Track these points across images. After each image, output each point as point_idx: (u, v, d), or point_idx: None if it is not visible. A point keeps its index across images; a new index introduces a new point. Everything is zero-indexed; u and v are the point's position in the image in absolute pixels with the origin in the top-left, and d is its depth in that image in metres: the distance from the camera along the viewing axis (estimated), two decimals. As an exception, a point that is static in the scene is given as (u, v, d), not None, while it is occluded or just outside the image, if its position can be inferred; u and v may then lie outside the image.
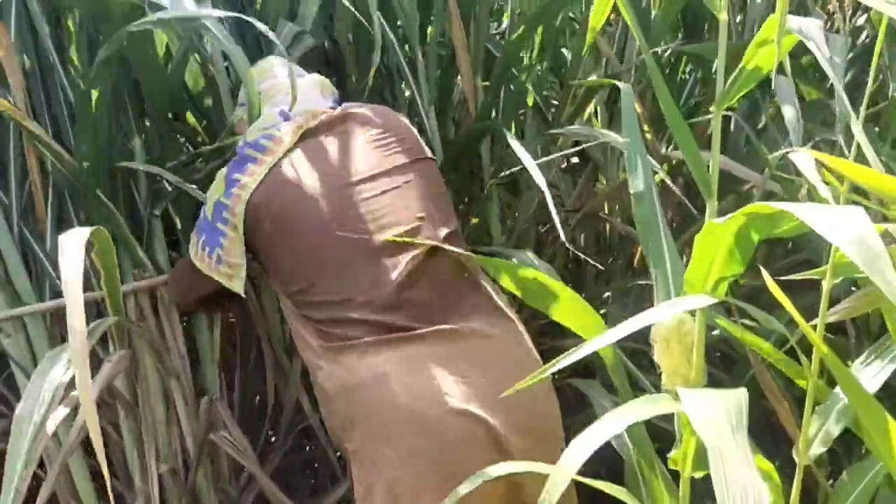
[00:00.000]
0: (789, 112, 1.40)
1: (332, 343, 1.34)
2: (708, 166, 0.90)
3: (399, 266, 1.34)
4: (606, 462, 1.16)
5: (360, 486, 1.31)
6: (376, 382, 1.29)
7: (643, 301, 1.27)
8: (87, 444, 1.80)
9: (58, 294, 1.73)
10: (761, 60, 0.84)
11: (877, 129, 1.70)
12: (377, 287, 1.33)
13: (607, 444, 0.87)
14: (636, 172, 1.04)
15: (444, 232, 1.39)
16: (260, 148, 1.43)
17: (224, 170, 1.46)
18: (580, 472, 0.80)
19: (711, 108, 0.87)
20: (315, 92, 1.53)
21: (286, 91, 1.43)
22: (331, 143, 1.44)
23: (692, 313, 0.94)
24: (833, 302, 1.01)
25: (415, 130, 1.54)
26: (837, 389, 1.01)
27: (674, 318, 0.92)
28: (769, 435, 1.62)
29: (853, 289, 1.28)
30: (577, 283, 2.27)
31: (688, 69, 2.21)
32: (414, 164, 1.45)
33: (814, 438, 1.00)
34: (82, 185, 1.63)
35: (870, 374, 1.04)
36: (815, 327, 0.98)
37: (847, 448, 1.56)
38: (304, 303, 1.39)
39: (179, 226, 1.84)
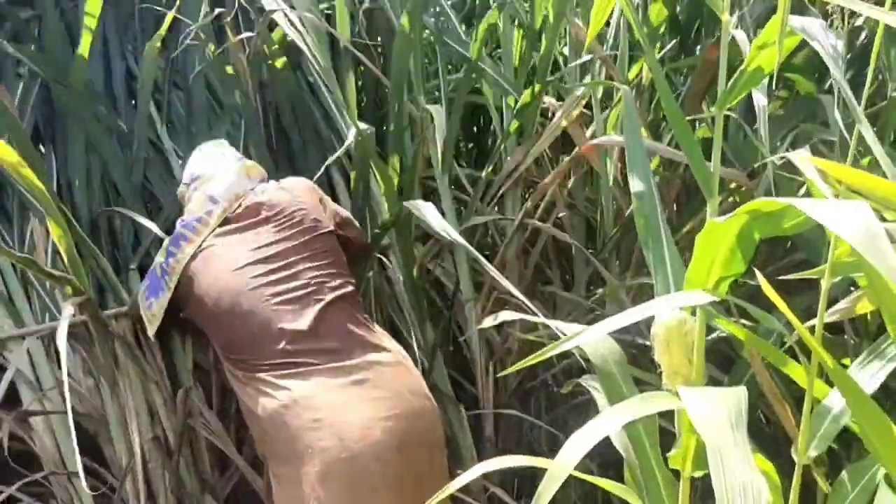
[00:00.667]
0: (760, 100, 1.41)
1: (253, 374, 1.63)
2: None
3: (303, 320, 1.63)
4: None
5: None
6: (295, 404, 1.56)
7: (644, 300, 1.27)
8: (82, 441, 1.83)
9: (52, 314, 1.93)
10: (762, 61, 0.84)
11: (874, 128, 1.70)
12: (287, 340, 1.62)
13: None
14: (636, 171, 1.04)
15: (334, 294, 1.69)
16: (191, 229, 1.77)
17: (167, 239, 1.80)
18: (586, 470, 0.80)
19: (713, 109, 0.87)
20: (242, 175, 1.85)
21: (218, 179, 1.82)
22: (242, 231, 1.77)
23: (692, 312, 0.94)
24: (831, 302, 1.01)
25: (318, 202, 1.85)
26: (836, 389, 1.01)
27: (674, 317, 0.92)
28: (768, 434, 1.62)
29: (851, 289, 1.28)
30: (570, 283, 2.28)
31: (684, 70, 2.22)
32: (309, 241, 1.75)
33: (813, 438, 1.00)
34: (79, 238, 1.91)
35: (868, 374, 1.04)
36: (813, 327, 0.98)
37: (846, 447, 1.56)
38: (227, 353, 1.70)
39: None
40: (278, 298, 1.65)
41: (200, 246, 1.75)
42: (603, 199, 2.16)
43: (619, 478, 1.13)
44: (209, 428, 1.89)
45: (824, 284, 0.94)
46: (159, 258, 1.79)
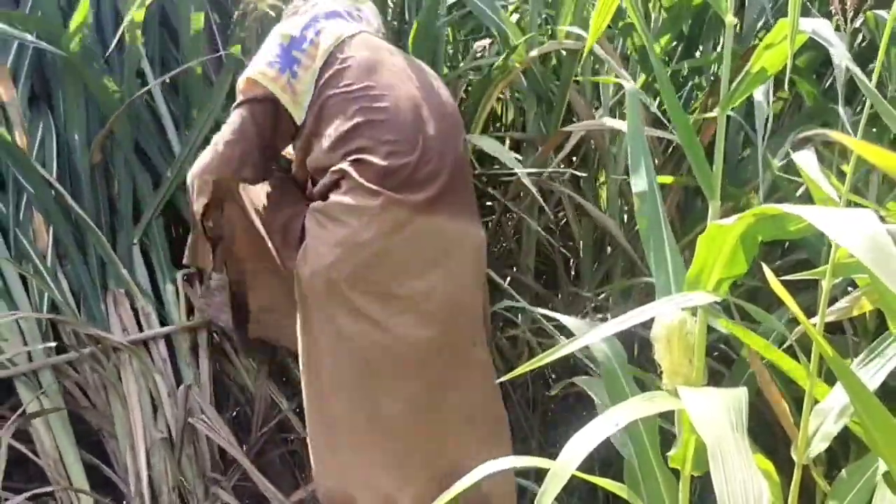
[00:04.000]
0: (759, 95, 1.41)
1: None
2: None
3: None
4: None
5: None
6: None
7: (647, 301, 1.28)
8: (79, 437, 1.83)
9: (53, 304, 1.91)
10: (767, 62, 0.84)
11: (874, 130, 1.71)
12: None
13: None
14: (639, 172, 1.04)
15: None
16: (347, 15, 1.65)
17: (313, 13, 1.62)
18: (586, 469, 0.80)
19: (715, 110, 0.87)
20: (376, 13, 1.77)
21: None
22: (394, 52, 1.68)
23: (693, 312, 0.95)
24: (830, 301, 1.01)
25: None
26: (836, 388, 1.01)
27: (675, 317, 0.93)
28: (768, 434, 1.62)
29: (849, 289, 1.29)
30: (574, 282, 2.29)
31: (685, 73, 2.22)
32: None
33: (812, 437, 1.00)
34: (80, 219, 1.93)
35: (868, 373, 1.04)
36: (813, 326, 0.98)
37: (845, 447, 1.56)
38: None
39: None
40: (426, 112, 1.57)
41: (353, 34, 1.60)
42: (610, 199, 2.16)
43: (619, 477, 1.14)
44: (210, 425, 1.89)
45: (825, 285, 0.94)
46: (284, 32, 1.58)
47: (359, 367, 1.53)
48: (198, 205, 1.64)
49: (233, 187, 1.69)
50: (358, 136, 1.51)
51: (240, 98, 1.61)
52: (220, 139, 1.60)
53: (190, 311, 2.02)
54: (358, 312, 1.51)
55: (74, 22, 1.95)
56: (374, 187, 1.49)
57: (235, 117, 1.59)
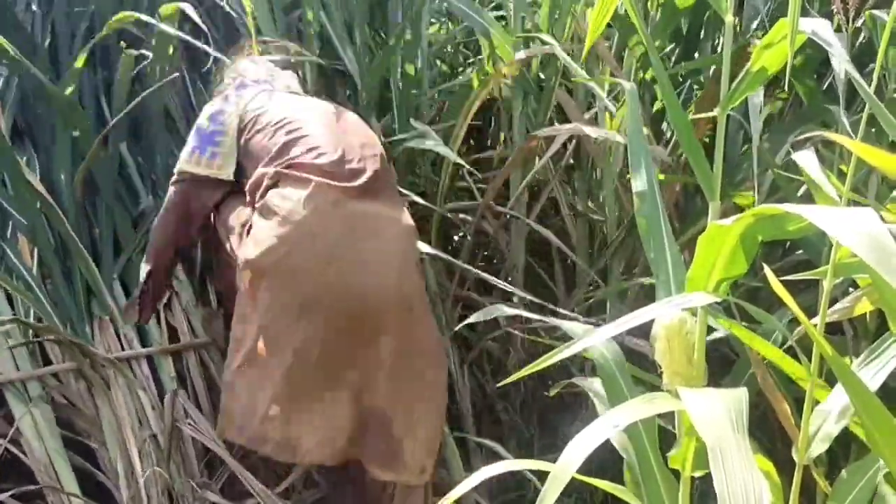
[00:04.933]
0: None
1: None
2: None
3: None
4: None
5: None
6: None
7: (643, 302, 1.28)
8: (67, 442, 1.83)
9: (37, 317, 1.98)
10: (767, 61, 0.84)
11: (873, 130, 1.71)
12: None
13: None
14: (639, 171, 1.04)
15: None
16: (244, 86, 1.93)
17: (226, 93, 1.92)
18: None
19: (715, 110, 0.87)
20: (293, 81, 2.04)
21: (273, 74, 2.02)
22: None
23: (693, 313, 0.94)
24: (831, 302, 1.01)
25: None
26: (836, 389, 1.01)
27: (675, 318, 0.92)
28: (768, 434, 1.62)
29: (850, 289, 1.28)
30: (571, 282, 2.29)
31: (682, 73, 2.22)
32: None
33: (813, 438, 1.00)
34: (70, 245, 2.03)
35: (869, 373, 1.04)
36: (814, 327, 0.98)
37: (845, 447, 1.56)
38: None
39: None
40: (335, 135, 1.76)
41: (254, 96, 1.86)
42: (606, 200, 2.16)
43: (619, 478, 1.13)
44: (197, 429, 1.92)
45: (826, 285, 0.94)
46: (205, 114, 1.87)
47: (291, 316, 1.68)
48: (143, 267, 1.93)
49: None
50: (286, 151, 1.75)
51: (172, 179, 1.91)
52: (157, 217, 1.94)
53: (172, 335, 2.09)
54: (295, 288, 1.67)
55: (72, 71, 2.09)
56: (307, 176, 1.69)
57: (168, 198, 1.91)
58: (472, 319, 1.60)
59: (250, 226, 1.75)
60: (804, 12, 1.78)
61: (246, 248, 1.72)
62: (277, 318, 1.68)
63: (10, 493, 1.74)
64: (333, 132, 1.79)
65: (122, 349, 2.01)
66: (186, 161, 1.86)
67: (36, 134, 2.20)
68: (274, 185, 1.73)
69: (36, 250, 2.05)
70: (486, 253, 2.49)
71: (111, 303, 2.06)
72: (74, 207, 2.11)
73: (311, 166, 1.70)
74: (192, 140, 1.88)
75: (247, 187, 1.80)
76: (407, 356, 1.72)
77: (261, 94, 1.89)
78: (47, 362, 1.93)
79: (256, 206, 1.74)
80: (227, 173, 1.86)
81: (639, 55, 2.08)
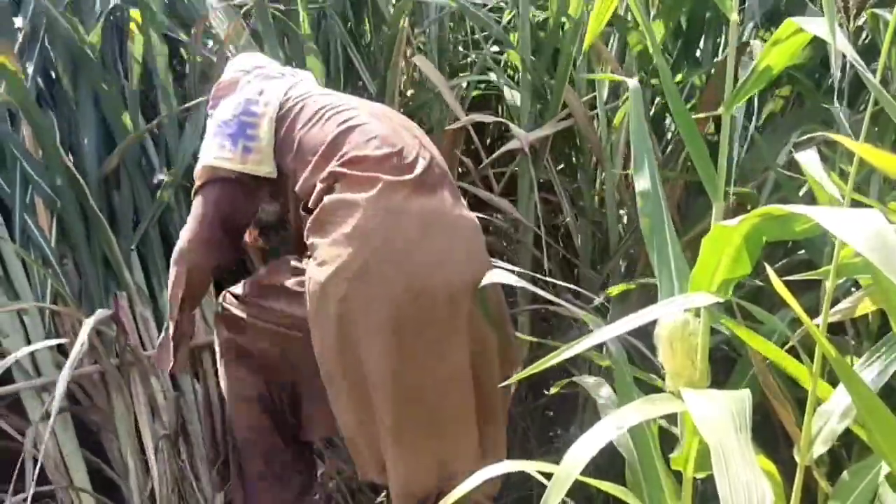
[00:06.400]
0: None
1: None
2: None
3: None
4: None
5: None
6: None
7: (646, 303, 1.28)
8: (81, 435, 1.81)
9: (56, 294, 1.90)
10: (773, 60, 0.84)
11: (875, 129, 1.70)
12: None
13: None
14: (642, 171, 1.03)
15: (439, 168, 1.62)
16: (280, 75, 1.72)
17: (250, 83, 1.67)
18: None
19: (720, 109, 0.86)
20: (313, 79, 1.82)
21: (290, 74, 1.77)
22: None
23: (696, 313, 0.94)
24: (833, 302, 1.01)
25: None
26: (839, 389, 1.01)
27: (678, 319, 0.92)
28: (770, 435, 1.62)
29: (852, 289, 1.28)
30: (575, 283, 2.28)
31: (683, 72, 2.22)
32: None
33: (815, 439, 1.00)
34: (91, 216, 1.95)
35: (871, 374, 1.04)
36: (816, 327, 0.97)
37: (847, 448, 1.56)
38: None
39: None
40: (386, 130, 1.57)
41: (291, 87, 1.65)
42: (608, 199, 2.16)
43: (621, 480, 1.13)
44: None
45: (829, 285, 0.93)
46: (232, 112, 1.61)
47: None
48: (173, 294, 1.65)
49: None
50: (341, 145, 1.53)
51: (197, 184, 1.64)
52: (185, 231, 1.64)
53: None
54: (382, 311, 1.45)
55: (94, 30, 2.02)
56: (371, 174, 1.48)
57: (196, 206, 1.63)
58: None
59: (310, 254, 1.51)
60: (805, 10, 1.78)
61: (315, 275, 1.47)
62: (370, 347, 1.45)
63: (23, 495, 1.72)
64: (383, 121, 1.59)
65: (139, 331, 1.94)
66: (215, 157, 1.59)
67: (58, 99, 2.10)
68: (330, 189, 1.50)
69: (55, 223, 1.96)
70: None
71: (129, 277, 1.97)
72: (97, 176, 2.02)
73: (373, 160, 1.49)
74: (214, 134, 1.61)
75: (297, 188, 1.56)
76: (482, 356, 1.53)
77: (301, 82, 1.68)
78: (62, 352, 1.87)
79: (310, 221, 1.51)
80: (267, 170, 1.59)
81: (636, 54, 2.08)
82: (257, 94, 1.63)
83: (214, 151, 1.60)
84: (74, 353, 1.58)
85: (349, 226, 1.45)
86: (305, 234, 1.53)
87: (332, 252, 1.46)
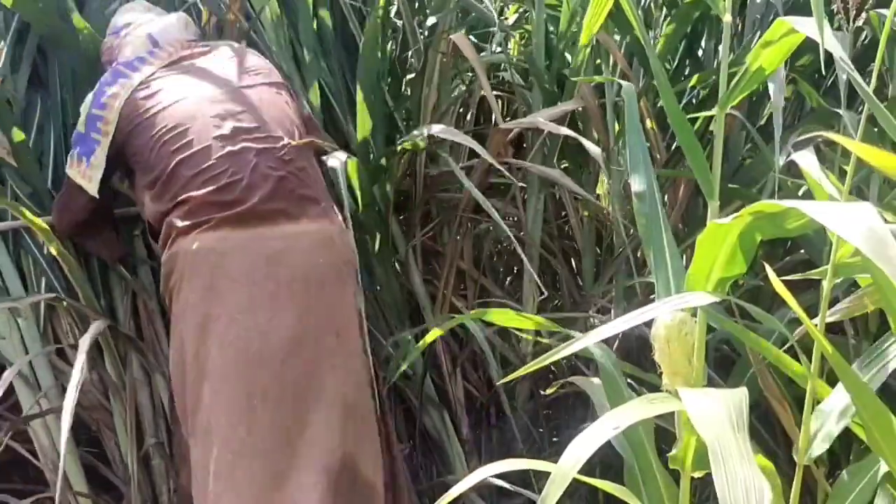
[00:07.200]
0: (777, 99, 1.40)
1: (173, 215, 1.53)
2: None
3: (244, 164, 1.53)
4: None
5: None
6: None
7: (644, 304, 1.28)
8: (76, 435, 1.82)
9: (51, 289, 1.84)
10: (765, 61, 0.84)
11: (875, 129, 1.70)
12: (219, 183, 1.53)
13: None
14: (638, 171, 1.04)
15: (288, 162, 1.57)
16: (133, 67, 1.64)
17: (93, 91, 1.64)
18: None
19: (714, 109, 0.87)
20: (182, 23, 1.76)
21: (156, 23, 1.73)
22: (199, 65, 1.68)
23: (693, 312, 0.94)
24: (832, 302, 1.01)
25: (271, 65, 1.77)
26: (837, 389, 1.01)
27: (674, 318, 0.92)
28: (769, 435, 1.62)
29: (851, 289, 1.28)
30: (576, 282, 2.28)
31: (686, 71, 2.22)
32: (271, 85, 1.68)
33: (814, 438, 1.00)
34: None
35: (870, 373, 1.04)
36: (814, 327, 0.97)
37: (846, 448, 1.56)
38: (159, 195, 1.57)
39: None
40: (231, 131, 1.55)
41: (146, 78, 1.62)
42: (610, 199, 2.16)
43: (619, 479, 1.13)
44: None
45: (826, 285, 0.94)
46: (85, 111, 1.62)
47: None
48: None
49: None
50: (173, 182, 1.54)
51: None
52: (54, 205, 1.74)
53: None
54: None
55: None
56: (191, 222, 1.50)
57: (63, 188, 1.70)
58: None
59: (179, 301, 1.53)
60: (805, 11, 1.78)
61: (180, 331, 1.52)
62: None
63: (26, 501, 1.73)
64: (221, 136, 1.54)
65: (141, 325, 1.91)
66: (70, 161, 1.63)
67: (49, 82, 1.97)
68: (167, 236, 1.54)
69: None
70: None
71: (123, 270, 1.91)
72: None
73: (199, 202, 1.50)
74: (78, 134, 1.63)
75: (144, 208, 1.60)
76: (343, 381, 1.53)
77: (141, 86, 1.61)
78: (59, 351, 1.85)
79: (163, 260, 1.55)
80: (93, 190, 1.61)
81: (640, 53, 2.08)
82: (107, 89, 1.61)
83: (72, 154, 1.63)
84: (75, 381, 1.52)
85: (202, 283, 1.49)
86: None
87: (176, 309, 1.54)
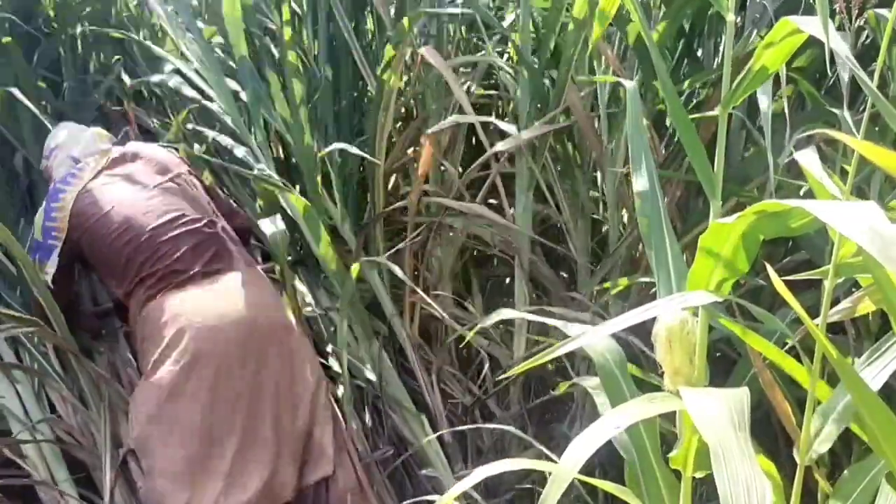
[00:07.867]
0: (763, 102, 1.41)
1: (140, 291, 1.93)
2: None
3: (185, 242, 1.95)
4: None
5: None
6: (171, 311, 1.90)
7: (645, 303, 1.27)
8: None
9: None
10: (768, 61, 0.84)
11: (875, 129, 1.70)
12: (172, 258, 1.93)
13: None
14: (640, 170, 1.03)
15: (211, 228, 2.01)
16: (66, 182, 2.03)
17: (43, 206, 2.01)
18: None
19: (717, 109, 0.86)
20: (95, 138, 2.16)
21: (75, 143, 2.14)
22: (123, 174, 2.08)
23: (694, 312, 0.94)
24: (833, 302, 1.00)
25: (170, 154, 2.18)
26: (838, 389, 1.00)
27: (676, 318, 0.92)
28: (770, 435, 1.62)
29: (852, 289, 1.28)
30: (573, 281, 2.28)
31: (686, 70, 2.21)
32: (178, 175, 2.09)
33: (815, 438, 1.00)
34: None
35: (871, 373, 1.03)
36: (816, 327, 0.97)
37: (847, 448, 1.56)
38: (119, 281, 1.96)
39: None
40: (164, 221, 1.94)
41: (83, 189, 2.00)
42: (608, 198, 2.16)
43: (620, 478, 1.13)
44: None
45: (828, 285, 0.93)
46: (39, 222, 1.98)
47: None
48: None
49: None
50: (131, 265, 1.92)
51: None
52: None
53: None
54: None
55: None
56: (153, 292, 1.89)
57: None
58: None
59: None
60: (806, 10, 1.78)
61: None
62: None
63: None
64: (138, 218, 1.94)
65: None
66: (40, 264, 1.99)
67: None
68: (146, 301, 1.89)
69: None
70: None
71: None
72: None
73: (160, 277, 1.88)
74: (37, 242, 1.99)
75: (111, 292, 2.03)
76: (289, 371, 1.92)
77: (77, 199, 1.97)
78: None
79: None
80: (48, 279, 1.96)
81: (638, 53, 2.07)
82: (54, 204, 1.98)
83: (32, 256, 1.98)
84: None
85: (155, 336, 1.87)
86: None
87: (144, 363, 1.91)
